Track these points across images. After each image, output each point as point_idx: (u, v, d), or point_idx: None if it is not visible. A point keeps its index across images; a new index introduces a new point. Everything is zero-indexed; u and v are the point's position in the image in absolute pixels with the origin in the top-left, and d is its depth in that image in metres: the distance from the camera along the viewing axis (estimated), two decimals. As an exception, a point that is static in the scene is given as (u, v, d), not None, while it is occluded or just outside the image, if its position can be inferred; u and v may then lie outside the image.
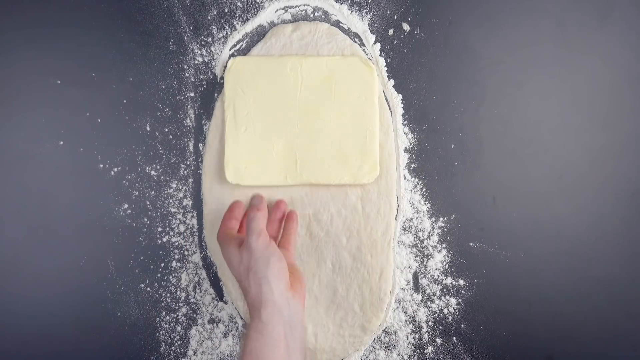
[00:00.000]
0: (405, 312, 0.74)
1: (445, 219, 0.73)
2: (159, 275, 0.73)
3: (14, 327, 0.72)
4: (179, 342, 0.74)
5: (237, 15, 0.72)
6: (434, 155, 0.73)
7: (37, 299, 0.72)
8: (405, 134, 0.73)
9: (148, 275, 0.73)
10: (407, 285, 0.74)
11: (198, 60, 0.72)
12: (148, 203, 0.72)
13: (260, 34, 0.73)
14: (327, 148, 0.70)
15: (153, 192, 0.72)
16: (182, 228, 0.73)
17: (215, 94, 0.73)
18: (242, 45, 0.73)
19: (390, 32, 0.72)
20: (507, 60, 0.73)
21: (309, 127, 0.70)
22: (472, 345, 0.73)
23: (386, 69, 0.73)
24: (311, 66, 0.70)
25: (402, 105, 0.73)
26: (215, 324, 0.74)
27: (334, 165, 0.70)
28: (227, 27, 0.72)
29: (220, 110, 0.71)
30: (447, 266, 0.73)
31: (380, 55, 0.73)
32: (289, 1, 0.72)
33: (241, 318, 0.73)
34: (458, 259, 0.73)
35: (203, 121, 0.73)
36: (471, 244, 0.73)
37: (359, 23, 0.73)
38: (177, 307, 0.73)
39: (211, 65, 0.73)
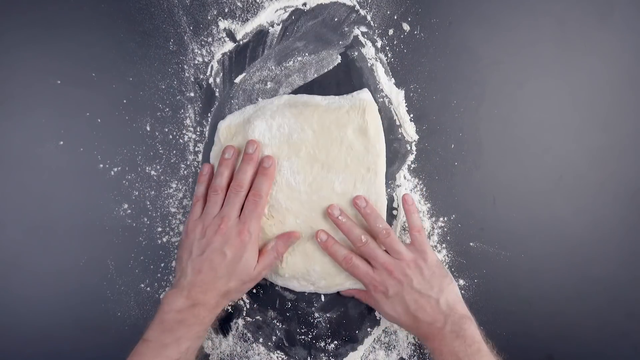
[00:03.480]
0: (405, 312, 0.74)
1: (445, 219, 0.73)
2: (159, 275, 0.73)
3: (14, 327, 0.72)
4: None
5: (237, 15, 0.72)
6: (434, 155, 0.73)
7: (37, 298, 0.72)
8: (406, 133, 0.73)
9: (148, 275, 0.73)
10: (407, 285, 0.74)
11: (198, 60, 0.72)
12: (148, 203, 0.72)
13: (259, 35, 0.73)
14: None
15: (153, 192, 0.72)
16: (182, 228, 0.73)
17: (217, 94, 0.73)
18: (239, 46, 0.73)
19: (390, 32, 0.72)
20: (507, 60, 0.73)
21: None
22: (472, 345, 0.73)
23: (384, 69, 0.73)
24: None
25: (405, 103, 0.73)
26: (215, 324, 0.74)
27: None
28: (227, 27, 0.73)
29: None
30: (447, 266, 0.73)
31: (380, 53, 0.73)
32: (289, 1, 0.72)
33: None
34: (458, 259, 0.73)
35: (203, 121, 0.73)
36: (471, 244, 0.73)
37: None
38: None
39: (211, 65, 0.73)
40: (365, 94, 0.70)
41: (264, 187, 0.65)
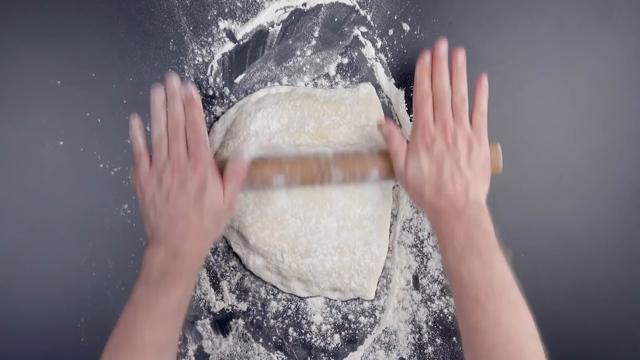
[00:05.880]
0: (405, 312, 0.73)
1: (445, 219, 0.73)
2: (159, 275, 0.73)
3: (14, 327, 0.72)
4: (178, 342, 0.73)
5: (237, 16, 0.72)
6: (434, 155, 0.73)
7: (37, 298, 0.72)
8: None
9: (148, 275, 0.73)
10: (407, 285, 0.74)
11: (198, 60, 0.72)
12: (148, 203, 0.72)
13: (259, 35, 0.73)
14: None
15: (153, 192, 0.72)
16: (182, 228, 0.73)
17: (217, 94, 0.73)
18: (239, 46, 0.73)
19: (390, 32, 0.72)
20: (507, 60, 0.73)
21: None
22: (472, 345, 0.73)
23: (384, 69, 0.73)
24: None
25: (405, 103, 0.73)
26: (215, 324, 0.74)
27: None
28: (226, 27, 0.73)
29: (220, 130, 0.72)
30: (447, 266, 0.73)
31: (380, 53, 0.73)
32: (289, 1, 0.72)
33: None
34: (458, 259, 0.73)
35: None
36: (471, 244, 0.73)
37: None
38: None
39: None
40: (367, 87, 0.70)
41: (196, 115, 0.62)
